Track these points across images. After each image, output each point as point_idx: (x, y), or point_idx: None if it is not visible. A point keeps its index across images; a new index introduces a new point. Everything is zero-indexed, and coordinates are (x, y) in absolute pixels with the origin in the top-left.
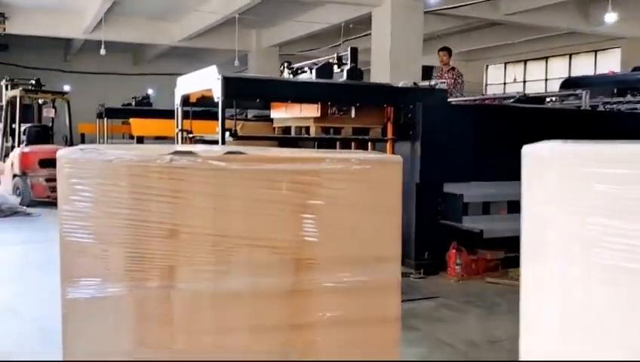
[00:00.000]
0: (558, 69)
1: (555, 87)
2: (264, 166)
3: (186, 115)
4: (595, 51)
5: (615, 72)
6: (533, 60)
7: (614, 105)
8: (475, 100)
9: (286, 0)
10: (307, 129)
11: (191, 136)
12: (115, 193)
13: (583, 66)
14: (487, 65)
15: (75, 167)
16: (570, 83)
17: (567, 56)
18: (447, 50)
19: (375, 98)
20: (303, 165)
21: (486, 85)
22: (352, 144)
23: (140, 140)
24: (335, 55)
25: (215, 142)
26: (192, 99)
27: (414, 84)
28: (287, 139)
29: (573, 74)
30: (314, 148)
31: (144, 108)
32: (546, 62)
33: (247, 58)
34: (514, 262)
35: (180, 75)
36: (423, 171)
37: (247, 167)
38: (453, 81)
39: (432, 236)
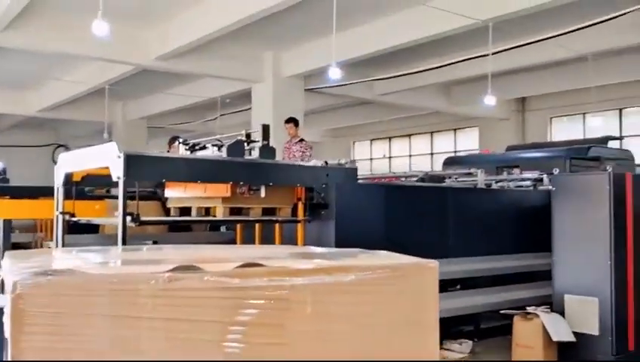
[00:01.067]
0: (421, 146)
1: (419, 162)
2: (290, 280)
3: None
4: (455, 130)
5: (489, 151)
6: (397, 137)
7: (504, 183)
8: (382, 178)
9: (160, 72)
10: (207, 209)
11: (75, 219)
12: (90, 331)
13: (444, 143)
14: (354, 142)
15: (33, 296)
16: (452, 160)
17: (429, 134)
18: (294, 122)
19: (289, 177)
20: (329, 277)
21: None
22: (257, 226)
23: (8, 226)
24: (244, 132)
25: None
26: (76, 178)
27: (325, 162)
28: (194, 221)
29: (435, 150)
30: (219, 231)
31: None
32: (410, 139)
33: (110, 129)
34: None
35: (36, 146)
36: None
37: (270, 283)
38: (301, 153)
39: None
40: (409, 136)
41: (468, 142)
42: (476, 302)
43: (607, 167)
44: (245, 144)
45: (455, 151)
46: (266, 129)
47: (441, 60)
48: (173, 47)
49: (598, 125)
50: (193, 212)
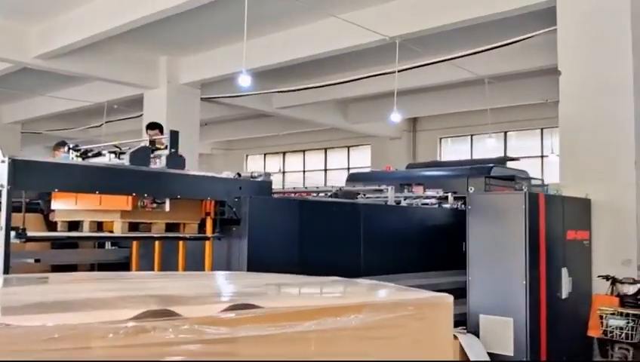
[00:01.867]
0: (314, 162)
1: (313, 177)
2: (291, 327)
3: None
4: (348, 147)
5: (391, 168)
6: (291, 152)
7: (411, 200)
8: (293, 193)
9: (40, 73)
10: (101, 224)
11: None
12: None
13: (337, 160)
14: (247, 155)
15: None
16: (355, 176)
17: (323, 150)
18: (160, 128)
19: (200, 189)
20: (339, 319)
21: None
22: (157, 244)
23: None
24: (148, 139)
25: None
26: None
27: (238, 174)
28: (88, 238)
29: (328, 167)
30: (109, 248)
31: None
32: (304, 154)
33: None
34: None
35: None
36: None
37: (265, 331)
38: None
39: None
40: (303, 151)
41: (360, 159)
42: None
43: (523, 187)
44: (150, 151)
45: (348, 168)
46: (174, 136)
47: (342, 76)
48: (58, 46)
49: (484, 147)
50: (85, 226)
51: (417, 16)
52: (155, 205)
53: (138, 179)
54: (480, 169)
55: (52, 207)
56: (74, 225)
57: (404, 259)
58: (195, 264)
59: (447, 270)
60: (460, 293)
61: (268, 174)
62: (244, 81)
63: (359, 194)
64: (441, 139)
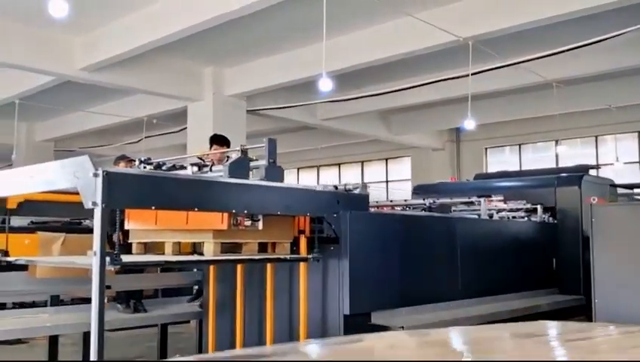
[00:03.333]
0: (350, 175)
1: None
2: None
3: None
4: (386, 159)
5: (455, 179)
6: (326, 166)
7: (503, 213)
8: (385, 207)
9: (77, 88)
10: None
11: (10, 259)
12: None
13: (374, 173)
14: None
15: None
16: (421, 189)
17: (360, 163)
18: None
19: (299, 204)
20: None
21: None
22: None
23: None
24: (239, 147)
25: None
26: (10, 205)
27: (335, 187)
28: (185, 262)
29: (365, 180)
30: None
31: None
32: (339, 168)
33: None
34: None
35: None
36: (354, 298)
37: None
38: None
39: None
40: (339, 165)
41: (399, 171)
42: None
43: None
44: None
45: (387, 181)
46: (273, 145)
47: (388, 86)
48: (102, 58)
49: (532, 156)
50: (168, 249)
51: (490, 16)
52: (249, 223)
53: (240, 194)
54: (569, 178)
55: (126, 227)
56: (151, 247)
57: (500, 279)
58: (285, 288)
59: (539, 289)
60: (560, 315)
61: (365, 186)
62: (326, 85)
63: (452, 207)
64: (486, 149)
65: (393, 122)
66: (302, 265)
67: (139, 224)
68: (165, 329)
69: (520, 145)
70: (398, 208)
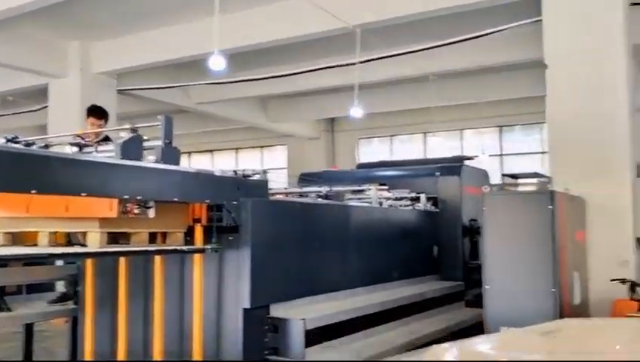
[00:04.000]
0: (223, 163)
1: None
2: None
3: None
4: (262, 147)
5: (338, 168)
6: (197, 152)
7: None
8: (279, 194)
9: None
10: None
11: None
12: None
13: (248, 161)
14: None
15: None
16: (306, 176)
17: (234, 151)
18: (100, 114)
19: (198, 190)
20: None
21: None
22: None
23: None
24: (128, 126)
25: None
26: None
27: (234, 172)
28: (64, 255)
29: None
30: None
31: None
32: (212, 155)
33: None
34: None
35: None
36: (255, 291)
37: None
38: None
39: None
40: (211, 151)
41: (275, 160)
42: (393, 341)
43: (550, 185)
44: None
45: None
46: (169, 122)
47: (266, 71)
48: None
49: (404, 148)
50: (42, 240)
51: (381, 4)
52: (139, 211)
53: (134, 178)
54: (450, 168)
55: None
56: (19, 237)
57: (389, 266)
58: (177, 282)
59: (423, 276)
60: (447, 301)
61: (265, 172)
62: (218, 63)
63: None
64: (359, 139)
65: (271, 109)
66: (197, 256)
67: (4, 211)
68: (31, 328)
69: (392, 136)
70: (291, 196)
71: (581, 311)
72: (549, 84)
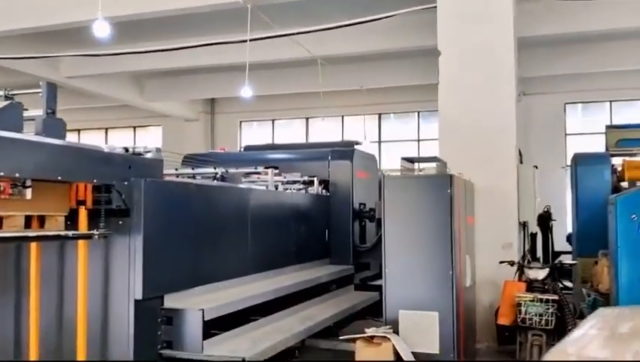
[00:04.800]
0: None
1: None
2: None
3: None
4: (135, 127)
5: (225, 150)
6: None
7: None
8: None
9: None
10: None
11: None
12: None
13: (121, 140)
14: None
15: None
16: (191, 158)
17: (104, 130)
18: None
19: (83, 168)
20: None
21: None
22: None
23: None
24: (3, 92)
25: None
26: None
27: (125, 149)
28: None
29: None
30: None
31: None
32: (79, 133)
33: None
34: None
35: None
36: (148, 280)
37: None
38: None
39: None
40: (78, 130)
41: (149, 141)
42: (291, 328)
43: (448, 169)
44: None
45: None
46: (52, 91)
47: (140, 46)
48: None
49: (285, 132)
50: None
51: None
52: (15, 191)
53: (12, 151)
54: (342, 152)
55: None
56: None
57: (283, 251)
58: (54, 273)
59: (315, 260)
60: (338, 285)
61: (159, 150)
62: (102, 29)
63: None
64: (241, 122)
65: (147, 87)
66: (81, 243)
67: None
68: None
69: (273, 120)
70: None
71: (471, 293)
72: (442, 71)
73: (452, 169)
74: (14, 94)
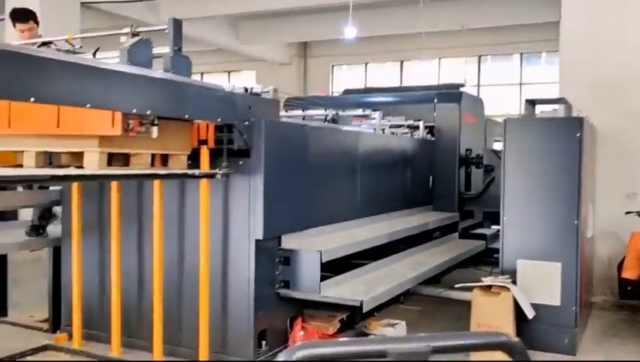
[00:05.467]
0: None
1: None
2: None
3: None
4: (229, 72)
5: (325, 93)
6: None
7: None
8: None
9: None
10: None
11: None
12: None
13: None
14: None
15: None
16: (292, 102)
17: (200, 74)
18: (27, 18)
19: (209, 107)
20: None
21: None
22: (114, 186)
23: None
24: (130, 29)
25: None
26: None
27: (245, 89)
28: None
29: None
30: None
31: None
32: None
33: None
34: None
35: None
36: (268, 221)
37: None
38: None
39: (273, 317)
40: None
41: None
42: (404, 274)
43: (577, 111)
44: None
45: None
46: (178, 25)
47: None
48: None
49: (378, 74)
50: (28, 160)
51: None
52: (143, 129)
53: (144, 88)
54: (449, 95)
55: None
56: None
57: (389, 196)
58: (175, 211)
59: (418, 206)
60: (443, 232)
61: (276, 91)
62: None
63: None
64: (333, 66)
65: (242, 30)
66: (203, 182)
67: None
68: (4, 259)
69: (367, 63)
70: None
71: (591, 244)
72: (565, 4)
73: (575, 111)
74: (140, 32)
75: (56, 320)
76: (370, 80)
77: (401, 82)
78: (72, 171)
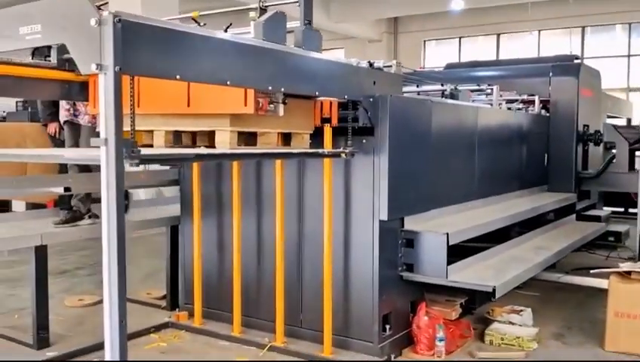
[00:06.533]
0: None
1: None
2: None
3: None
4: None
5: (424, 69)
6: None
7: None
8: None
9: None
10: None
11: None
12: None
13: None
14: None
15: None
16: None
17: None
18: None
19: (339, 84)
20: None
21: None
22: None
23: None
24: (258, 3)
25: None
26: None
27: (369, 63)
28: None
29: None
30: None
31: None
32: None
33: None
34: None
35: None
36: (392, 201)
37: None
38: None
39: (395, 300)
40: None
41: None
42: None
43: None
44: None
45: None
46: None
47: None
48: None
49: (471, 49)
50: (158, 140)
51: None
52: (272, 107)
53: (280, 65)
54: (566, 67)
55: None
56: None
57: (505, 176)
58: (295, 189)
59: (533, 186)
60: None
61: (399, 64)
62: None
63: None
64: (425, 41)
65: (333, 8)
66: (326, 161)
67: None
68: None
69: (460, 37)
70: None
71: None
72: None
73: None
74: (268, 5)
75: (174, 298)
76: (464, 55)
77: (497, 56)
78: (213, 150)
